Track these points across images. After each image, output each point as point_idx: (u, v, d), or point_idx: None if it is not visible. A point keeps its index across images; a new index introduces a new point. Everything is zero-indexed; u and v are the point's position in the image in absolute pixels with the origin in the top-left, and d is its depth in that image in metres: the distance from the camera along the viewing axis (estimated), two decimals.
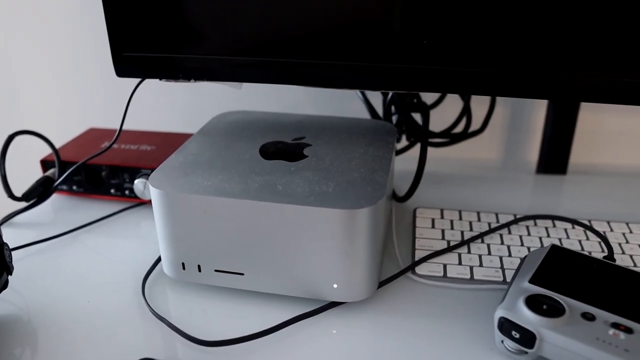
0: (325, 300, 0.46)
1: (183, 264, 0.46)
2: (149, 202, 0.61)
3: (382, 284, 0.48)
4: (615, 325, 0.37)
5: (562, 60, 0.45)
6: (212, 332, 0.43)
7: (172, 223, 0.44)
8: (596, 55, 0.44)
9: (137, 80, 0.75)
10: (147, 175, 0.59)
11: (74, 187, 0.62)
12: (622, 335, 0.37)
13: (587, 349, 0.36)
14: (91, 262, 0.52)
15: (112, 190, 0.61)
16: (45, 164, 0.62)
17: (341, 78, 0.49)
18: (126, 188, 0.60)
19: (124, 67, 0.51)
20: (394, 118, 0.63)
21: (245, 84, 0.76)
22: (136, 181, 0.58)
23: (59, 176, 0.60)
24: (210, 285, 0.48)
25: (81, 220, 0.59)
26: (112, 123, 0.87)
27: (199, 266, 0.46)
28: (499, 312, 0.39)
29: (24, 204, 0.81)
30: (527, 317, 0.38)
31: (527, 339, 0.38)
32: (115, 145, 0.64)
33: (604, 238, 0.51)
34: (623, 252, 0.52)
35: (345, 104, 0.79)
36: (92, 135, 0.67)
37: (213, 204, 0.43)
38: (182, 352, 0.41)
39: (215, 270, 0.46)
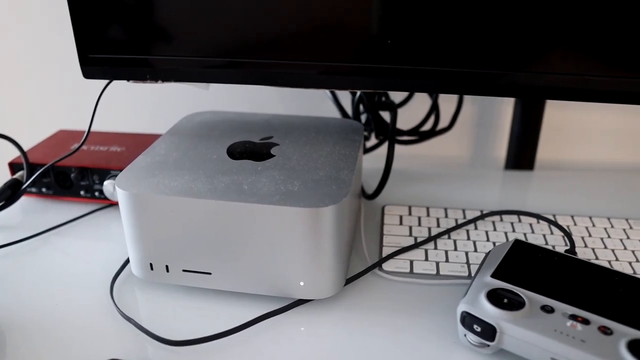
0: (292, 298, 0.46)
1: (151, 264, 0.46)
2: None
3: (349, 280, 0.48)
4: (573, 317, 0.38)
5: (527, 59, 0.46)
6: (181, 332, 0.44)
7: (139, 224, 0.45)
8: (559, 54, 0.45)
9: (106, 81, 0.75)
10: (116, 177, 0.58)
11: (43, 190, 0.62)
12: (579, 326, 0.38)
13: (545, 341, 0.37)
14: (60, 264, 0.52)
15: (82, 192, 0.61)
16: (14, 166, 0.61)
17: (310, 78, 0.49)
18: (96, 190, 0.60)
19: (90, 68, 0.51)
20: (363, 117, 0.64)
21: (214, 84, 0.77)
22: (106, 182, 0.58)
23: (28, 178, 0.59)
24: (178, 285, 0.49)
25: (51, 222, 0.59)
26: (82, 124, 0.86)
27: (166, 266, 0.46)
28: (461, 307, 0.40)
29: None
30: (487, 311, 0.39)
31: (488, 332, 0.39)
32: (84, 147, 0.64)
33: (567, 232, 0.53)
34: (585, 246, 0.54)
35: (315, 103, 0.79)
36: (62, 137, 0.67)
37: (179, 204, 0.43)
38: (152, 353, 0.41)
39: (183, 270, 0.46)
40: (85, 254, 0.53)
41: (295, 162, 0.48)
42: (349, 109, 0.73)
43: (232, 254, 0.44)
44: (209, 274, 0.46)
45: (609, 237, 0.55)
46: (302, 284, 0.44)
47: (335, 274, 0.45)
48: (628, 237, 0.55)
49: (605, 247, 0.53)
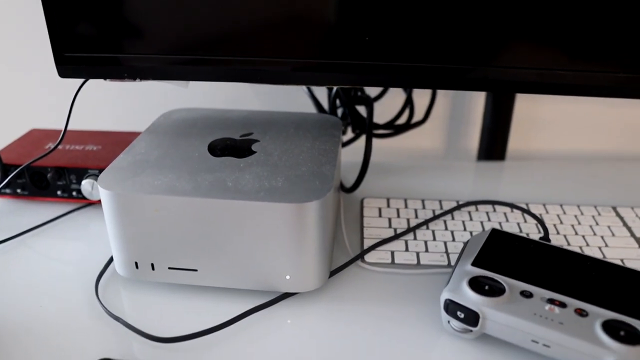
0: (278, 292, 0.47)
1: (136, 263, 0.46)
2: (98, 202, 0.61)
3: (333, 273, 0.49)
4: (550, 301, 0.40)
5: (496, 55, 0.47)
6: (169, 329, 0.44)
7: (123, 223, 0.45)
8: (526, 50, 0.47)
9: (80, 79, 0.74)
10: (94, 176, 0.58)
11: (18, 190, 0.61)
12: (557, 309, 0.39)
13: (526, 324, 0.39)
14: (40, 266, 0.51)
15: (59, 192, 0.60)
16: None
17: (287, 74, 0.50)
18: (73, 189, 0.60)
19: (66, 67, 0.51)
20: (339, 111, 0.65)
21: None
22: (84, 182, 0.57)
23: (2, 180, 0.58)
24: (164, 283, 0.49)
25: (27, 224, 0.58)
26: (54, 124, 0.85)
27: (152, 265, 0.46)
28: (445, 295, 0.42)
29: None
30: (470, 298, 0.41)
31: (471, 318, 0.40)
32: (60, 146, 0.63)
33: (540, 220, 0.55)
34: (558, 233, 0.56)
35: (291, 98, 0.80)
36: (35, 136, 0.66)
37: (164, 203, 0.43)
38: (140, 351, 0.42)
39: (169, 268, 0.46)
40: (65, 254, 0.53)
41: (277, 158, 0.49)
42: (324, 104, 0.74)
43: (217, 250, 0.45)
44: (195, 270, 0.46)
45: (579, 224, 0.57)
46: (288, 277, 0.45)
47: (320, 267, 0.46)
48: (597, 224, 0.57)
49: (576, 234, 0.56)
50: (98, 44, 0.49)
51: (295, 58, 0.49)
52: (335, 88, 0.61)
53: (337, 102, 0.64)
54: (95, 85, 0.81)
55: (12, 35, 0.79)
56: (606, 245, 0.54)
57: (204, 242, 0.44)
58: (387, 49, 0.48)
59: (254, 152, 0.50)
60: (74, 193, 0.60)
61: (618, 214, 0.59)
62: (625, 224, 0.58)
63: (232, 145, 0.52)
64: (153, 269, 0.46)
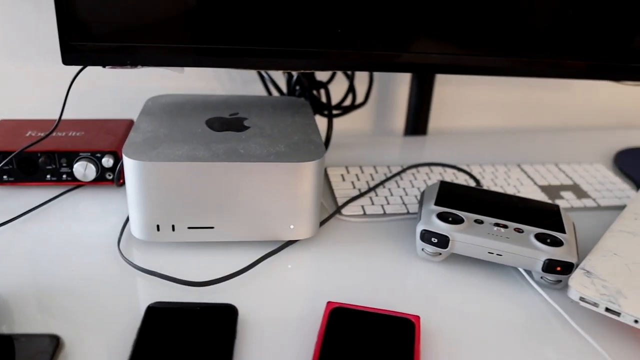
0: (281, 241, 0.56)
1: (158, 225, 0.53)
2: (89, 183, 0.65)
3: (321, 224, 0.60)
4: (497, 225, 0.54)
5: (417, 42, 0.60)
6: (195, 278, 0.52)
7: (149, 190, 0.51)
8: (441, 39, 0.61)
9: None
10: (87, 158, 0.63)
11: (5, 177, 0.64)
12: (502, 230, 0.53)
13: (484, 241, 0.52)
14: (56, 236, 0.56)
15: (48, 176, 0.64)
16: None
17: (261, 60, 0.59)
18: (63, 172, 0.64)
19: (71, 56, 0.56)
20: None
21: (153, 69, 0.82)
22: (76, 165, 0.62)
23: None
24: (178, 243, 0.56)
25: (21, 207, 0.61)
26: (17, 114, 0.86)
27: (172, 226, 0.53)
28: (420, 227, 0.54)
29: None
30: (440, 227, 0.53)
31: (442, 242, 0.53)
32: (40, 133, 0.66)
33: (470, 174, 0.69)
34: (483, 184, 0.71)
35: (248, 85, 0.88)
36: (9, 126, 0.68)
37: (189, 169, 0.51)
38: (176, 297, 0.49)
39: (188, 228, 0.54)
40: (76, 226, 0.58)
41: (270, 130, 0.58)
42: (274, 91, 0.83)
43: (233, 208, 0.53)
44: (212, 228, 0.54)
45: (496, 177, 0.73)
46: (292, 227, 0.55)
47: (315, 217, 0.56)
48: (509, 177, 0.73)
49: (496, 185, 0.71)
50: (103, 33, 0.55)
51: (269, 46, 0.59)
52: (296, 74, 0.71)
53: (297, 87, 0.74)
54: (55, 78, 0.84)
55: None
56: (519, 192, 0.70)
57: (221, 202, 0.53)
58: (351, 40, 0.59)
59: (248, 127, 0.59)
60: (64, 176, 0.64)
61: (522, 169, 0.76)
62: (528, 176, 0.74)
63: (226, 122, 0.60)
64: (173, 230, 0.54)
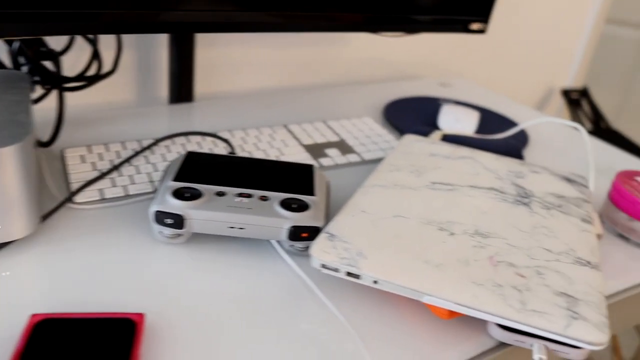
0: None
1: None
2: None
3: (44, 218, 0.50)
4: (240, 195, 0.49)
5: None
6: None
7: None
8: None
9: None
10: None
11: None
12: (245, 200, 0.49)
13: (222, 215, 0.47)
14: None
15: None
16: None
17: None
18: None
19: None
20: (25, 69, 0.63)
21: None
22: None
23: None
24: None
25: None
26: None
27: None
28: (153, 207, 0.48)
29: None
30: (174, 205, 0.47)
31: (178, 221, 0.47)
32: None
33: (225, 140, 0.64)
34: (244, 151, 0.66)
35: None
36: None
37: None
38: None
39: None
40: None
41: None
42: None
43: None
44: None
45: (260, 141, 0.69)
46: None
47: (28, 211, 0.47)
48: (274, 139, 0.70)
49: (259, 149, 0.67)
50: None
51: None
52: (17, 44, 0.60)
53: (21, 59, 0.62)
54: None
55: None
56: (282, 154, 0.66)
57: None
58: None
59: None
60: None
61: (289, 130, 0.73)
62: (294, 136, 0.71)
63: None
64: None
